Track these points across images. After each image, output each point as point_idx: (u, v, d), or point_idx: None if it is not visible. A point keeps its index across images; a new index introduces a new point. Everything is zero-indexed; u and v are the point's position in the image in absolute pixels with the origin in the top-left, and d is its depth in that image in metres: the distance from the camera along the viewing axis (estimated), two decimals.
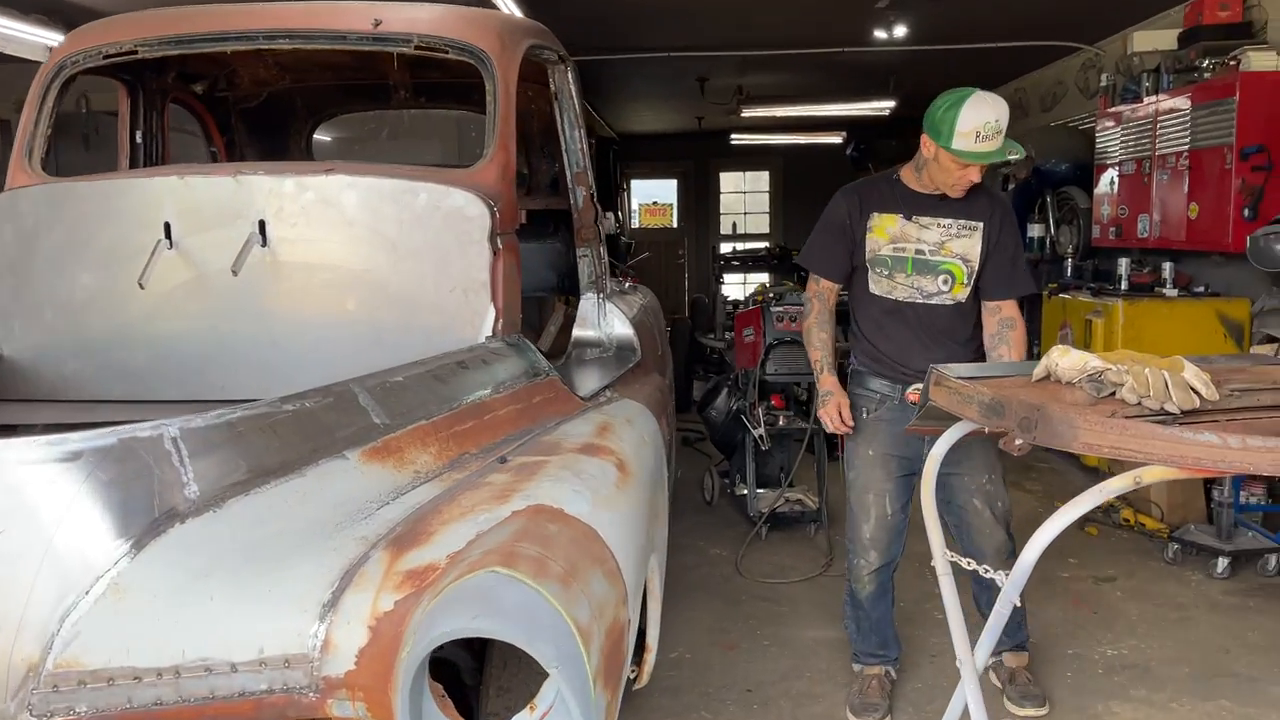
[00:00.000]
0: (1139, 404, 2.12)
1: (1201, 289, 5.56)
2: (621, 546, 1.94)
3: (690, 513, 5.16)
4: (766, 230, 13.84)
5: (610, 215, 11.47)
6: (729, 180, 14.15)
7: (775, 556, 4.52)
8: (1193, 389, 2.13)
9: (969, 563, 2.35)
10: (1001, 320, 2.99)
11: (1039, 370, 2.34)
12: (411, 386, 2.19)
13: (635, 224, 14.13)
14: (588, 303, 3.61)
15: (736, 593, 4.11)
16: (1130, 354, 2.33)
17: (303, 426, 1.84)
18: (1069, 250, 6.79)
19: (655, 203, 14.20)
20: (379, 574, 1.65)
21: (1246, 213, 4.96)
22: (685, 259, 13.93)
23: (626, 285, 4.51)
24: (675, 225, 14.19)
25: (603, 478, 2.16)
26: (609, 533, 1.90)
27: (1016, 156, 2.77)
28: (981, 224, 2.94)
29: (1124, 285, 5.63)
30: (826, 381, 3.02)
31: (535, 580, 1.50)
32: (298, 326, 2.51)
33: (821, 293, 3.08)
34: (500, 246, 2.60)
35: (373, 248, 2.52)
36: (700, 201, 14.03)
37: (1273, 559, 4.22)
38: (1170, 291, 5.49)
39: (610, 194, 11.48)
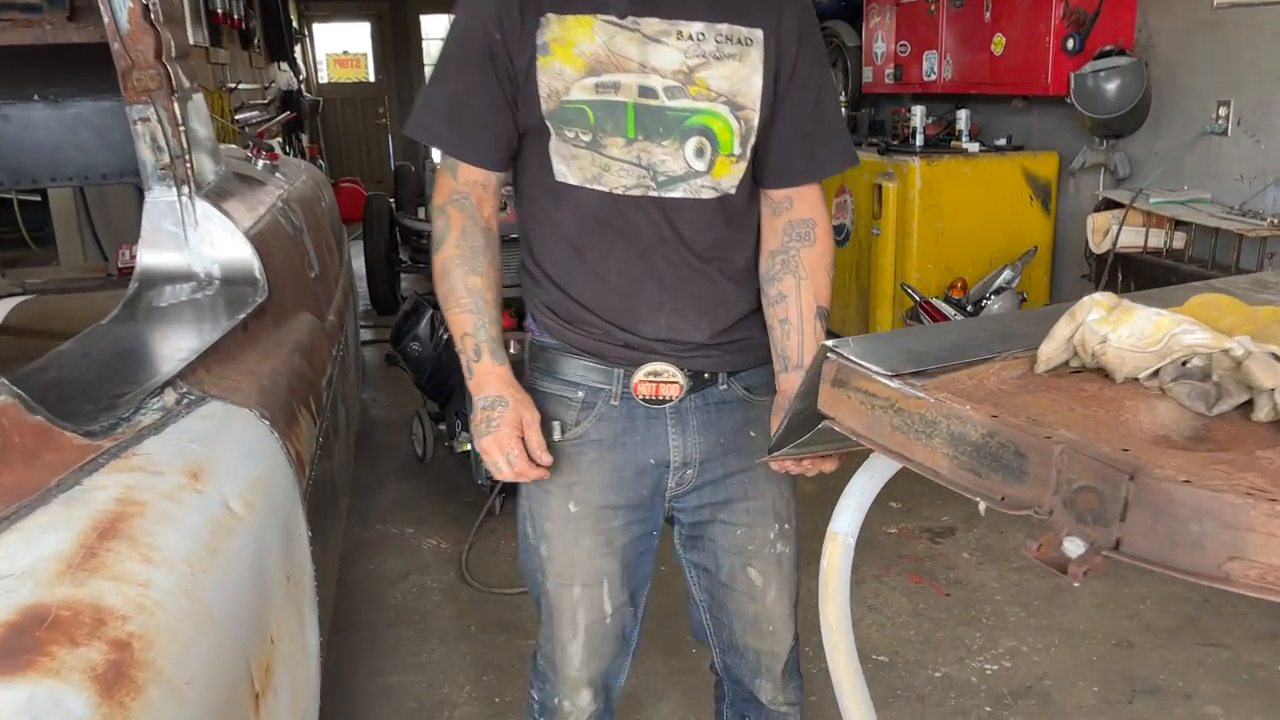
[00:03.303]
0: None
1: (1002, 142, 4.65)
2: None
3: (395, 478, 3.77)
4: None
5: (285, 67, 9.39)
6: (433, 25, 12.19)
7: (514, 542, 3.23)
8: None
9: None
10: (791, 226, 1.49)
11: (1054, 346, 1.12)
12: None
13: (323, 78, 11.98)
14: (157, 205, 2.06)
15: (462, 619, 2.81)
16: (1233, 305, 1.16)
17: None
18: (840, 99, 5.73)
19: (346, 52, 12.06)
20: None
21: (1070, 44, 4.01)
22: (387, 119, 11.99)
23: (260, 164, 2.94)
24: (372, 79, 12.15)
25: None
26: None
27: None
28: (761, 32, 1.40)
29: (919, 140, 4.62)
30: (489, 377, 1.42)
31: None
32: None
33: (463, 193, 1.43)
34: None
35: None
36: (401, 50, 12.03)
37: None
38: (971, 147, 4.54)
39: (285, 41, 9.39)
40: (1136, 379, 1.06)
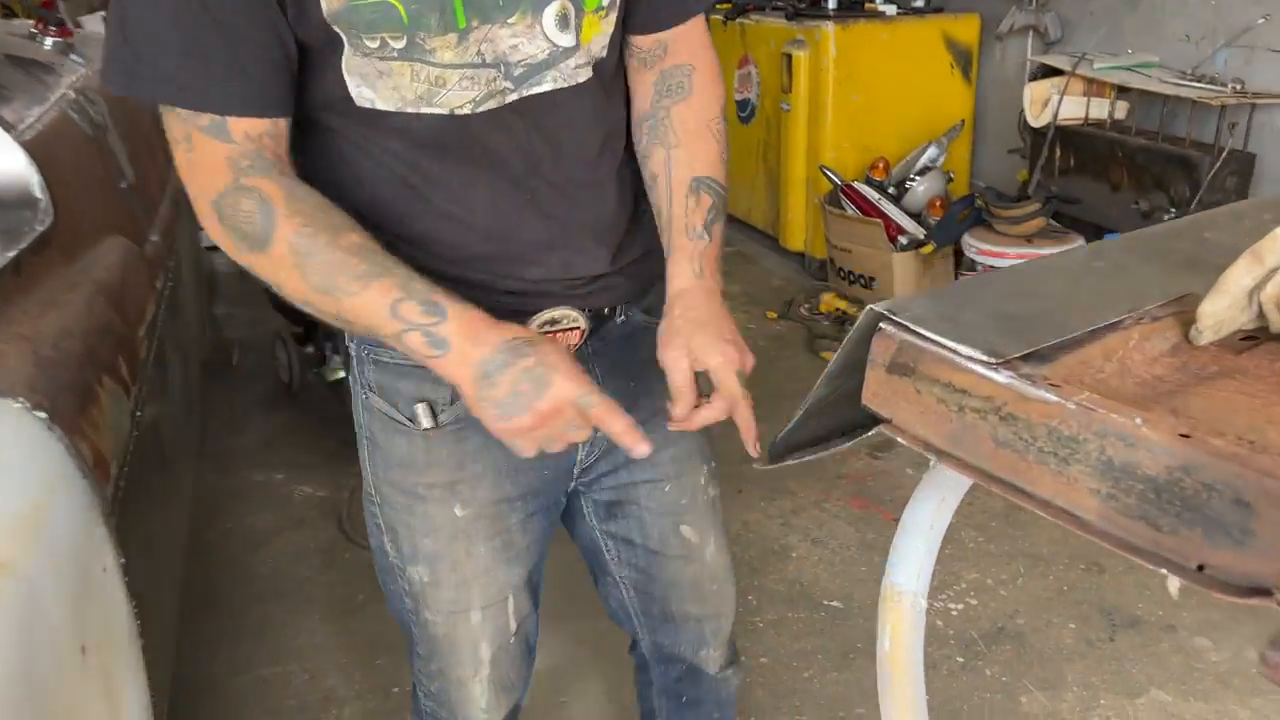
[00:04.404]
0: None
1: (920, 3, 4.24)
2: None
3: (259, 411, 3.26)
4: None
5: None
6: None
7: None
8: None
9: None
10: (662, 79, 1.10)
11: (1227, 305, 0.74)
12: None
13: None
14: None
15: (347, 586, 2.39)
16: None
17: None
18: None
19: None
20: None
21: None
22: None
23: (49, 43, 2.33)
24: None
25: None
26: None
27: None
28: None
29: (831, 3, 4.18)
30: (475, 328, 0.91)
31: None
32: None
33: (251, 153, 0.90)
34: None
35: None
36: None
37: None
38: (887, 9, 4.13)
39: None
40: None
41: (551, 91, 0.98)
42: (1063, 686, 2.02)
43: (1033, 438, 0.68)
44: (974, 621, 2.21)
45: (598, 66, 1.01)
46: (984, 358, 0.70)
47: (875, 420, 0.84)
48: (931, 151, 3.79)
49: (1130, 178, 3.11)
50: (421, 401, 1.07)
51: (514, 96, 0.96)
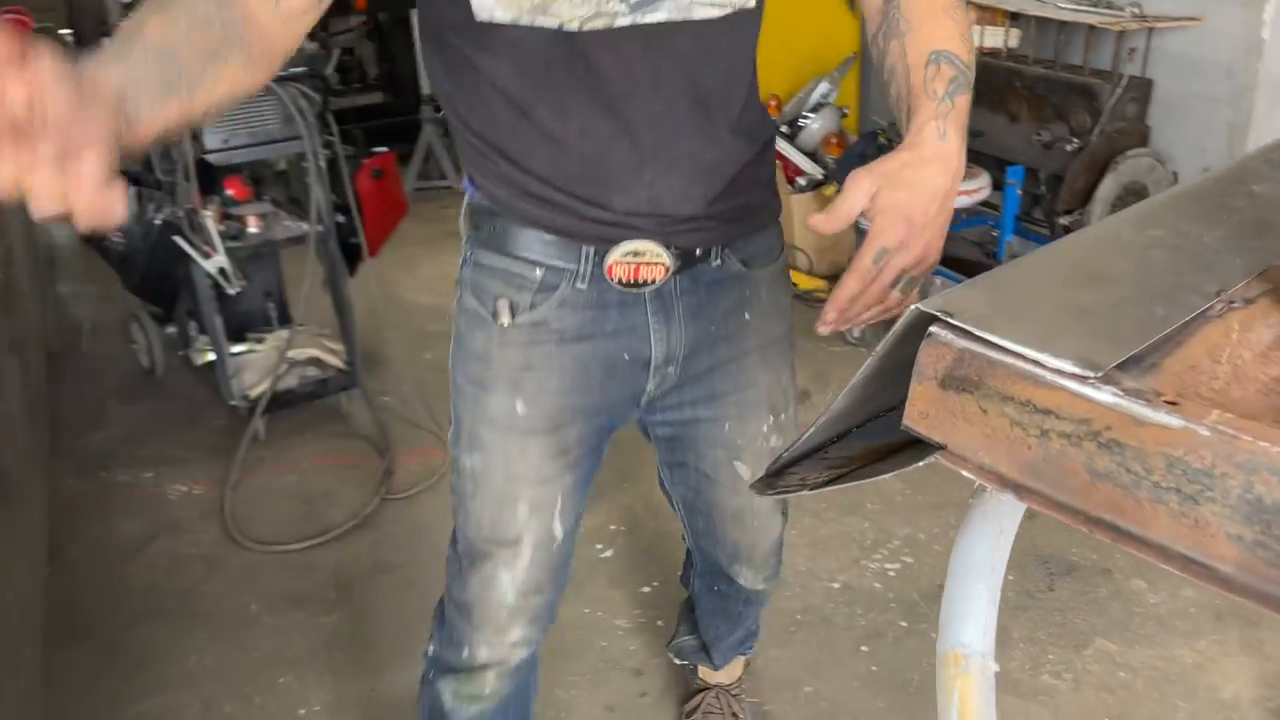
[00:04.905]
0: None
1: None
2: None
3: (118, 402, 2.95)
4: None
5: None
6: None
7: (293, 475, 2.57)
8: None
9: None
10: None
11: None
12: None
13: None
14: None
15: (237, 596, 2.15)
16: None
17: None
18: None
19: None
20: None
21: None
22: None
23: None
24: None
25: None
26: None
27: None
28: None
29: None
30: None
31: None
32: None
33: None
34: None
35: None
36: None
37: None
38: None
39: None
40: None
41: (665, 22, 0.97)
42: (1009, 643, 1.96)
43: (1145, 470, 0.54)
44: (913, 581, 2.13)
45: (741, 16, 1.02)
46: (1078, 370, 0.55)
47: (902, 433, 0.69)
48: (823, 87, 3.66)
49: (1029, 108, 3.05)
50: (504, 298, 1.11)
51: (625, 21, 0.96)
